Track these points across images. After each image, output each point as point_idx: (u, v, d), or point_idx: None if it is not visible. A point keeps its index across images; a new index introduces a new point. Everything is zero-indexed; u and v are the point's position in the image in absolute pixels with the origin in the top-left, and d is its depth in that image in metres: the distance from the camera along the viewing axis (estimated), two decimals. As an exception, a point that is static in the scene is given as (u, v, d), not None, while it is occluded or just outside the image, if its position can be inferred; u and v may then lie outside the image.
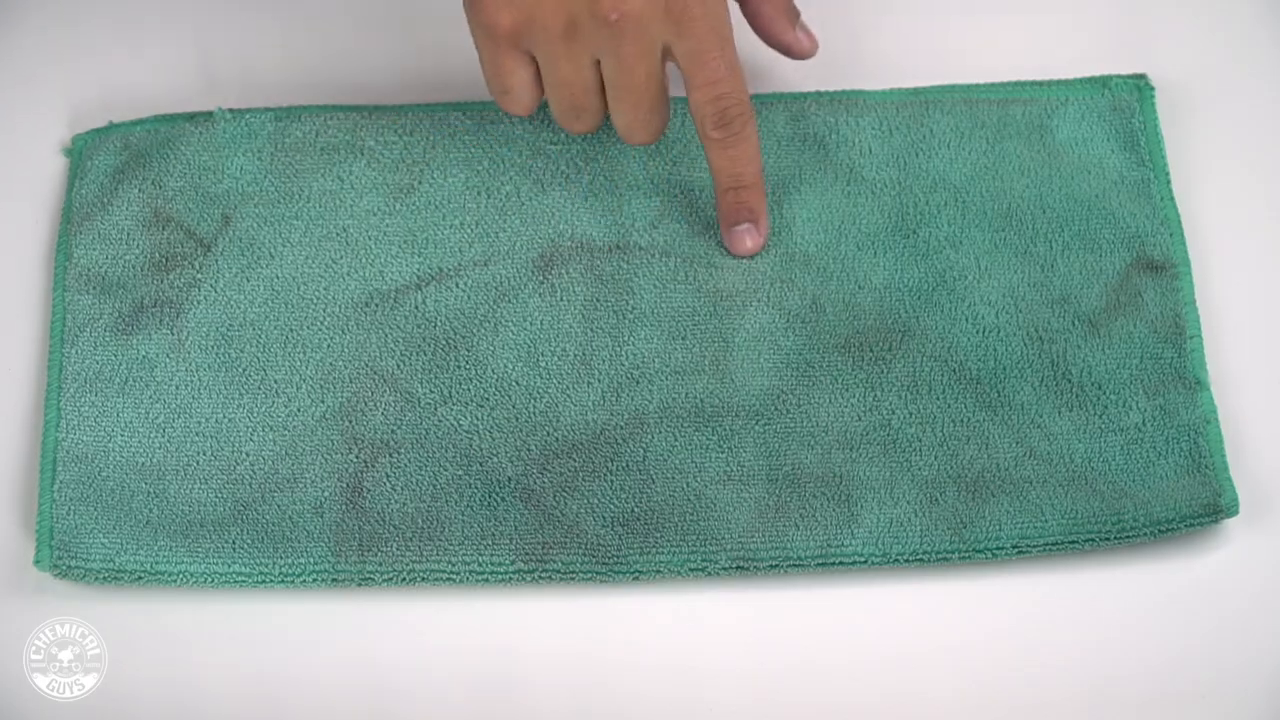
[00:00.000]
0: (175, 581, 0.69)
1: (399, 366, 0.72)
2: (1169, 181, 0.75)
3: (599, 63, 0.69)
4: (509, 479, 0.70)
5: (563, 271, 0.74)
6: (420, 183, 0.76)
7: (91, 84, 0.79)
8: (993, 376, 0.71)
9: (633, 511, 0.69)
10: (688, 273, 0.74)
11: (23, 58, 0.80)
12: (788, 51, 0.75)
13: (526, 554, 0.69)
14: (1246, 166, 0.76)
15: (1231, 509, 0.68)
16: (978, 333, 0.72)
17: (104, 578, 0.69)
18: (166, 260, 0.74)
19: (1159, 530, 0.68)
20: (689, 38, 0.68)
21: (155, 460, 0.71)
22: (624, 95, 0.69)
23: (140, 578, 0.69)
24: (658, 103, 0.70)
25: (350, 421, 0.71)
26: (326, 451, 0.71)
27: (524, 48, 0.69)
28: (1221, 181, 0.76)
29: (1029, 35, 0.80)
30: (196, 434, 0.71)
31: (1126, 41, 0.79)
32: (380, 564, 0.69)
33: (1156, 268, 0.73)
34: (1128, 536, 0.68)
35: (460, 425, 0.71)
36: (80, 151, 0.77)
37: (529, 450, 0.71)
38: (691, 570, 0.69)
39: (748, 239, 0.73)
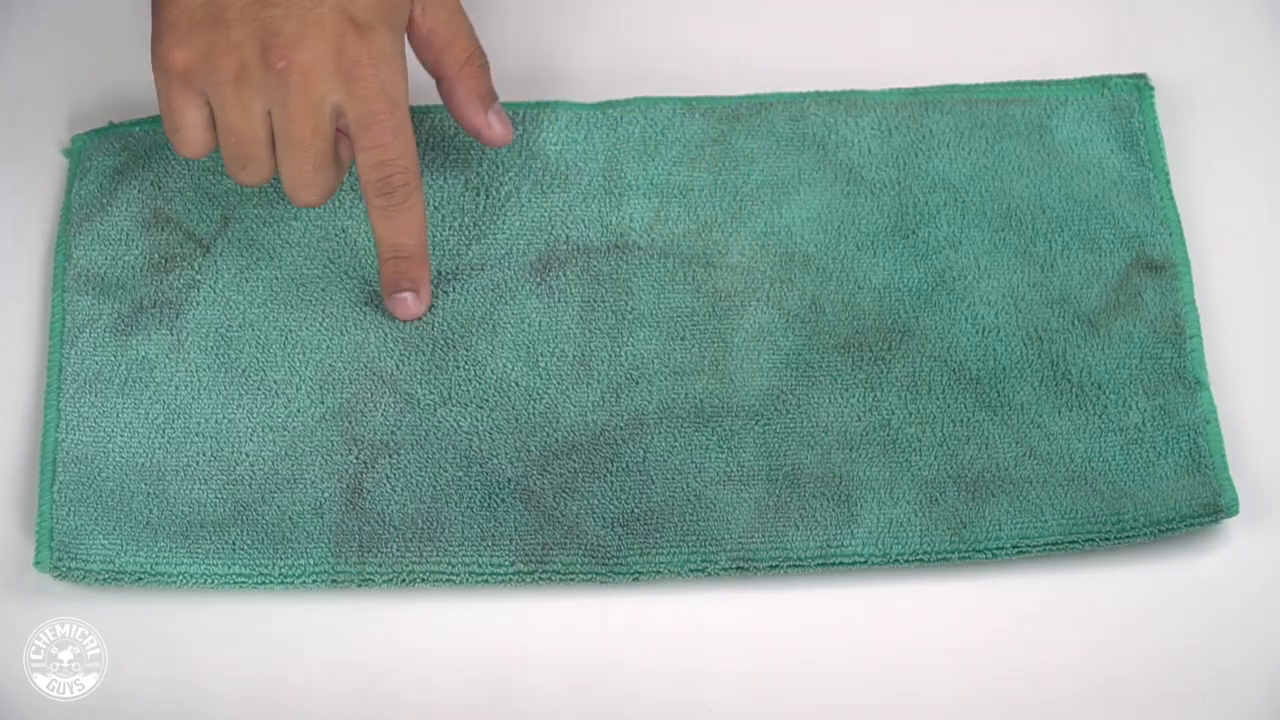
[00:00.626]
0: (175, 582, 0.69)
1: (398, 367, 0.72)
2: (1169, 181, 0.75)
3: (271, 115, 0.68)
4: (509, 480, 0.70)
5: (561, 273, 0.74)
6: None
7: (91, 84, 0.79)
8: (992, 376, 0.71)
9: (633, 512, 0.69)
10: (686, 273, 0.74)
11: (23, 58, 0.80)
12: (478, 136, 0.73)
13: (526, 555, 0.69)
14: (1246, 166, 0.76)
15: (1231, 509, 0.68)
16: (977, 333, 0.72)
17: (104, 579, 0.69)
18: (166, 261, 0.74)
19: (1159, 530, 0.68)
20: (357, 97, 0.67)
21: (155, 461, 0.71)
22: (289, 149, 0.68)
23: (140, 579, 0.69)
24: (324, 160, 0.68)
25: (350, 422, 0.71)
26: (326, 452, 0.71)
27: (198, 88, 0.67)
28: (1221, 181, 0.76)
29: (1029, 35, 0.80)
30: (196, 435, 0.71)
31: (1126, 41, 0.79)
32: (380, 565, 0.69)
33: (1156, 268, 0.73)
34: (1128, 536, 0.68)
35: (460, 426, 0.71)
36: (80, 151, 0.77)
37: (529, 451, 0.71)
38: (691, 571, 0.69)
39: (410, 305, 0.72)
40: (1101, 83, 0.77)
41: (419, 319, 0.73)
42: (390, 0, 0.68)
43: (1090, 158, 0.75)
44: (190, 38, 0.67)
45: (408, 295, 0.72)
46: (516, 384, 0.72)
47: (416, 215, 0.70)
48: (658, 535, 0.69)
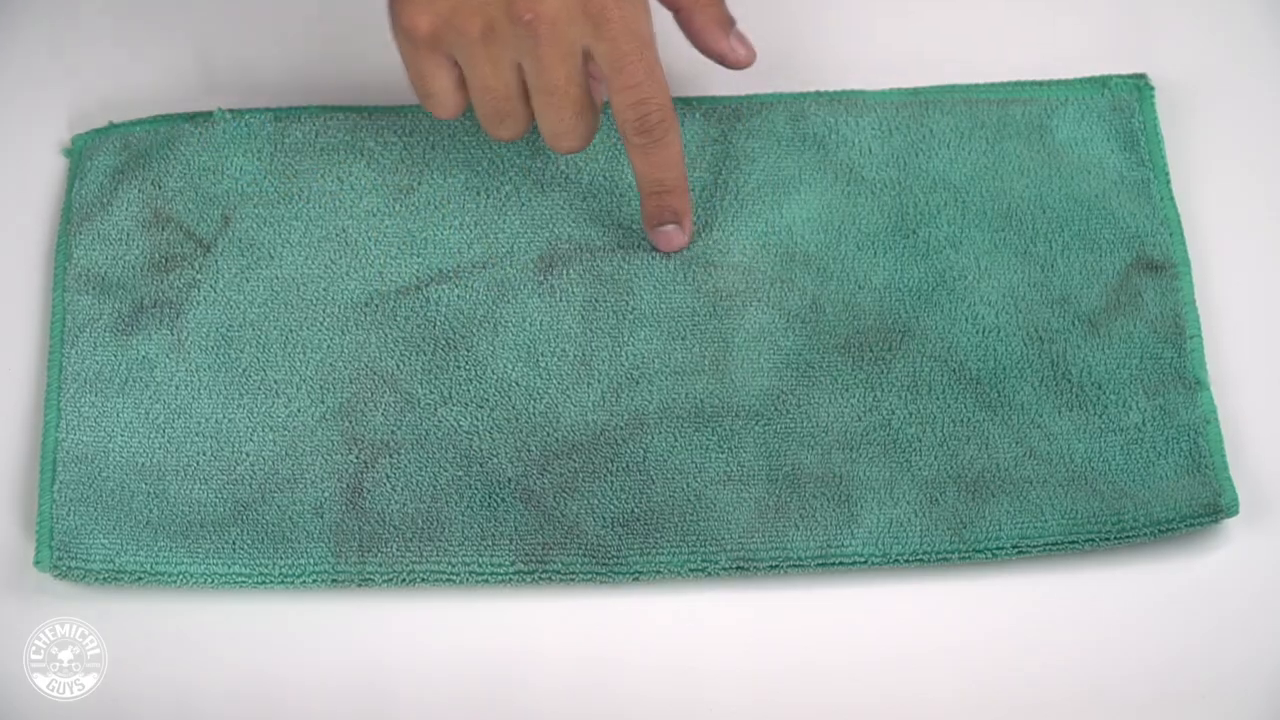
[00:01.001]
0: (175, 582, 0.69)
1: (399, 367, 0.72)
2: (1169, 181, 0.75)
3: (522, 67, 0.68)
4: (509, 479, 0.70)
5: (562, 272, 0.74)
6: (420, 183, 0.76)
7: (91, 84, 0.79)
8: (993, 377, 0.71)
9: (633, 512, 0.69)
10: (687, 273, 0.74)
11: (23, 58, 0.80)
12: (722, 61, 0.73)
13: (526, 554, 0.69)
14: (1246, 166, 0.76)
15: (1231, 509, 0.68)
16: (978, 333, 0.72)
17: (104, 578, 0.69)
18: (166, 260, 0.74)
19: (1159, 530, 0.68)
20: (607, 40, 0.67)
21: (155, 460, 0.71)
22: (545, 99, 0.68)
23: (140, 578, 0.69)
24: (582, 106, 0.69)
25: (350, 422, 0.71)
26: (326, 452, 0.71)
27: (445, 51, 0.68)
28: (1221, 181, 0.76)
29: (1029, 35, 0.80)
30: (196, 434, 0.71)
31: (1126, 41, 0.79)
32: (380, 564, 0.69)
33: (1156, 268, 0.73)
34: (1128, 536, 0.68)
35: (460, 426, 0.71)
36: (80, 151, 0.77)
37: (529, 451, 0.71)
38: (691, 571, 0.69)
39: (674, 238, 0.73)
40: (1101, 83, 0.77)
41: (679, 251, 0.74)
42: None
43: (1090, 158, 0.75)
44: (432, 2, 0.67)
45: (669, 227, 0.73)
46: (517, 383, 0.72)
47: (675, 150, 0.70)
48: (658, 535, 0.69)
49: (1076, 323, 0.72)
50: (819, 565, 0.68)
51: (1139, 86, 0.77)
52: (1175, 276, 0.73)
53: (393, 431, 0.71)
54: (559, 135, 0.70)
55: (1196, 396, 0.70)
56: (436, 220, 0.75)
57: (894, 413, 0.71)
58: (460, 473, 0.70)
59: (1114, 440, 0.70)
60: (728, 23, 0.73)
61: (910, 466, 0.70)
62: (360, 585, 0.69)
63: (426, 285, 0.74)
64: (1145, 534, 0.68)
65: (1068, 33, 0.80)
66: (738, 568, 0.69)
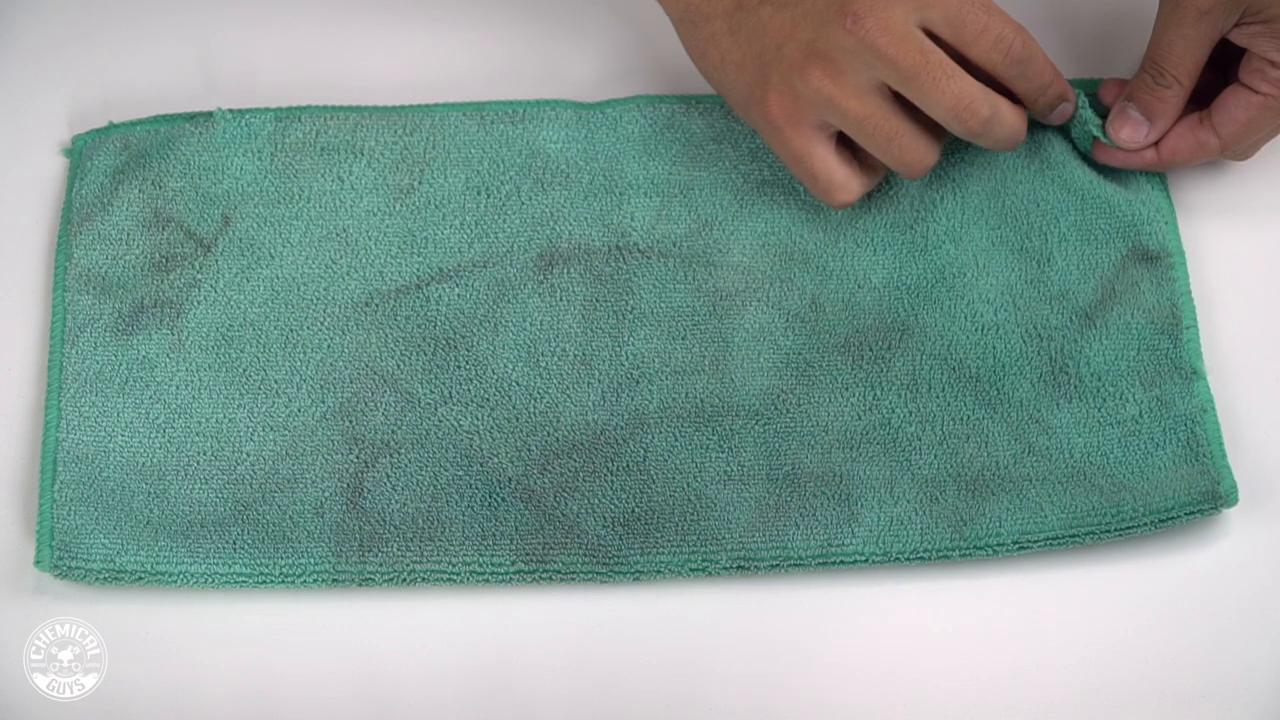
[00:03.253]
0: (176, 582, 0.69)
1: (399, 367, 0.72)
2: (1163, 172, 0.75)
3: (885, 88, 0.68)
4: (509, 479, 0.70)
5: (562, 272, 0.74)
6: (420, 183, 0.76)
7: (91, 84, 0.79)
8: (992, 374, 0.71)
9: (633, 511, 0.69)
10: (687, 273, 0.74)
11: (23, 58, 0.80)
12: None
13: (527, 554, 0.69)
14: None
15: (1231, 497, 0.68)
16: (977, 330, 0.72)
17: (104, 578, 0.69)
18: (166, 260, 0.74)
19: (1159, 521, 0.68)
20: (934, 5, 0.67)
21: (155, 460, 0.71)
22: (915, 86, 0.68)
23: (141, 578, 0.69)
24: (949, 68, 0.68)
25: (350, 421, 0.71)
26: (327, 452, 0.71)
27: (810, 123, 0.69)
28: (1214, 171, 0.76)
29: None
30: (197, 434, 0.71)
31: (1123, 40, 0.79)
32: (381, 564, 0.69)
33: (1152, 258, 0.73)
34: (1128, 528, 0.68)
35: (460, 425, 0.71)
36: (80, 151, 0.77)
37: (529, 450, 0.71)
38: (692, 570, 0.69)
39: (1066, 109, 0.73)
40: (1096, 81, 0.77)
41: (1069, 116, 0.73)
42: None
43: (1085, 151, 0.75)
44: (768, 78, 0.68)
45: (1067, 105, 0.73)
46: (517, 383, 0.72)
47: (1042, 58, 0.70)
48: (658, 535, 0.69)
49: (1074, 317, 0.72)
50: (819, 564, 0.69)
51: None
52: (1171, 266, 0.73)
53: (393, 431, 0.71)
54: (958, 107, 0.68)
55: (1193, 386, 0.71)
56: (436, 220, 0.75)
57: (894, 411, 0.71)
58: (460, 472, 0.70)
59: (1112, 433, 0.70)
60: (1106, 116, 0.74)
61: (910, 465, 0.70)
62: (360, 585, 0.69)
63: (426, 285, 0.74)
64: (1145, 525, 0.68)
65: (1066, 32, 0.80)
66: (738, 567, 0.69)
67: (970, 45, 0.68)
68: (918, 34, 0.67)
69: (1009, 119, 0.70)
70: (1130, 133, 0.73)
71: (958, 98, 0.68)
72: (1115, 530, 0.68)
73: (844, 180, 0.71)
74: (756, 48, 0.70)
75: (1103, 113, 0.75)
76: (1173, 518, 0.68)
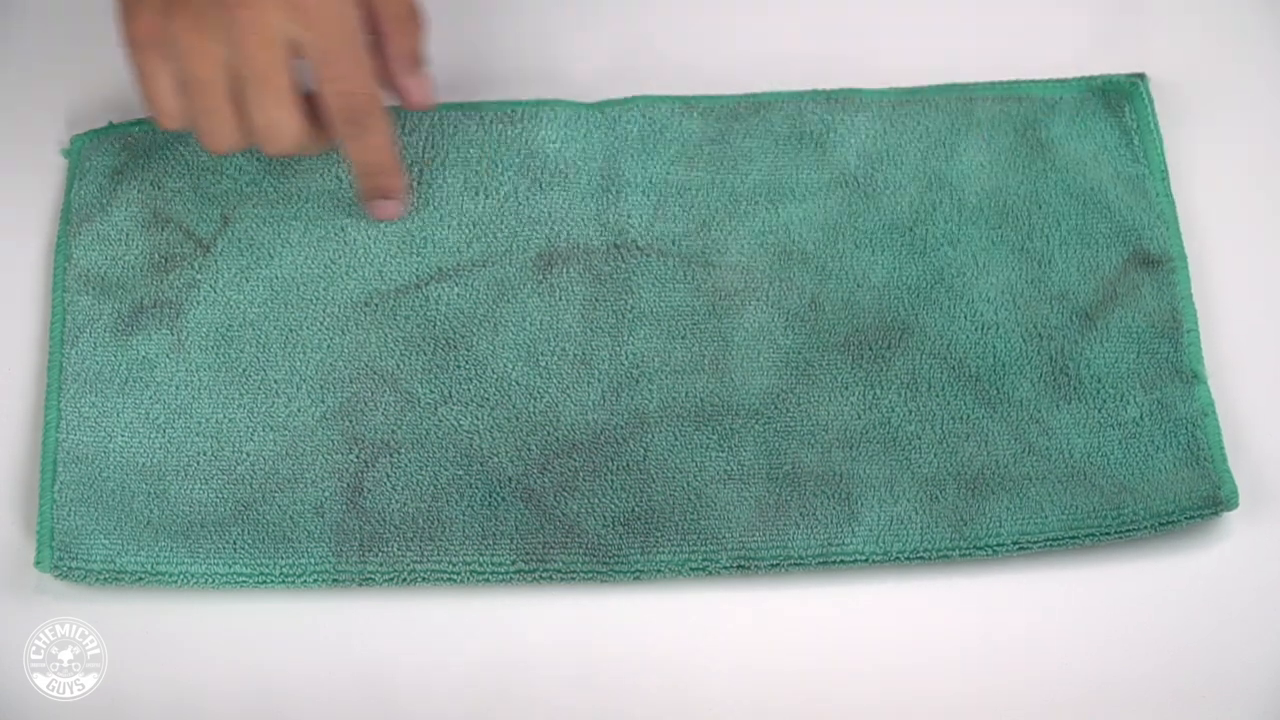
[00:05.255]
0: (176, 582, 0.69)
1: (399, 366, 0.72)
2: (1165, 177, 0.75)
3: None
4: (509, 479, 0.70)
5: (562, 271, 0.74)
6: (419, 183, 0.76)
7: (91, 84, 0.79)
8: (991, 373, 0.71)
9: (633, 511, 0.69)
10: (686, 272, 0.74)
11: (23, 58, 0.80)
12: (400, 96, 0.73)
13: (527, 554, 0.69)
14: (1242, 161, 0.77)
15: (1231, 500, 0.68)
16: (976, 330, 0.72)
17: (105, 579, 0.69)
18: (166, 261, 0.74)
19: (1159, 524, 0.68)
20: (312, 29, 0.67)
21: (155, 461, 0.71)
22: (251, 89, 0.68)
23: (141, 578, 0.69)
24: (285, 98, 0.68)
25: (350, 421, 0.71)
26: (327, 451, 0.71)
27: (163, 52, 0.68)
28: (1217, 176, 0.76)
29: (1027, 34, 0.80)
30: (197, 434, 0.71)
31: (1124, 40, 0.79)
32: (381, 564, 0.69)
33: (1153, 262, 0.73)
34: (1128, 531, 0.68)
35: (460, 425, 0.71)
36: (79, 152, 0.77)
37: (529, 450, 0.71)
38: (692, 570, 0.69)
39: (390, 207, 0.74)
40: (1099, 80, 0.77)
41: (396, 220, 0.74)
42: None
43: (1087, 154, 0.75)
44: (153, 4, 0.67)
45: (384, 201, 0.74)
46: (517, 383, 0.72)
47: (384, 133, 0.71)
48: (658, 534, 0.69)
49: (1074, 318, 0.72)
50: (820, 563, 0.69)
51: (1135, 83, 0.77)
52: (1172, 271, 0.73)
53: (393, 431, 0.71)
54: (268, 131, 0.69)
55: (1194, 390, 0.71)
56: (436, 219, 0.75)
57: (893, 410, 0.71)
58: (461, 472, 0.70)
59: (1113, 435, 0.70)
60: (415, 60, 0.73)
61: (910, 464, 0.70)
62: (361, 585, 0.69)
63: (426, 284, 0.74)
64: (1146, 528, 0.68)
65: (1065, 32, 0.80)
66: (738, 566, 0.69)
67: (323, 83, 0.69)
68: (281, 49, 0.67)
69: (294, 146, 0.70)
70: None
71: (259, 119, 0.68)
72: (1115, 532, 0.68)
73: (170, 111, 0.70)
74: None
75: (1106, 113, 0.75)
76: (1173, 521, 0.68)
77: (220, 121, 0.69)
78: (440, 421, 0.71)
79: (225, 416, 0.71)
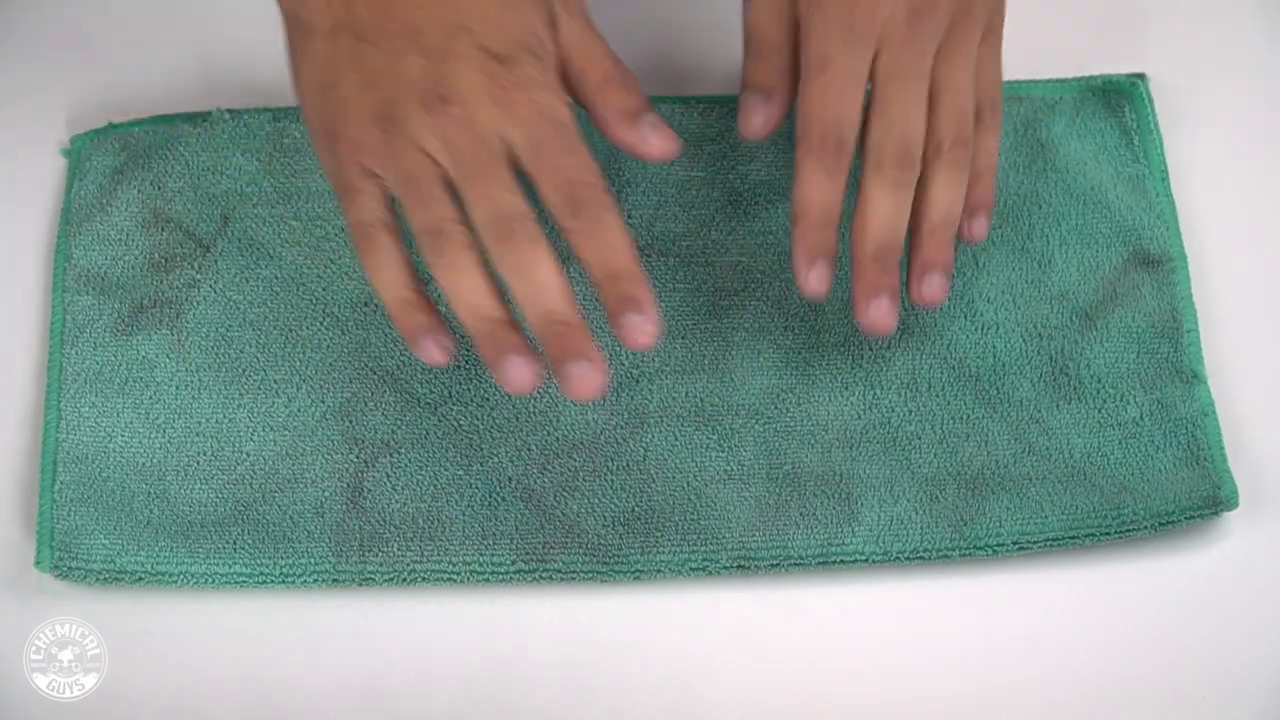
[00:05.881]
0: (176, 582, 0.69)
1: (399, 366, 0.72)
2: (1166, 177, 0.75)
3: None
4: (509, 478, 0.70)
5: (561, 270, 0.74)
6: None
7: (91, 84, 0.79)
8: (991, 373, 0.71)
9: (633, 511, 0.69)
10: (686, 272, 0.74)
11: (23, 58, 0.80)
12: (633, 152, 0.67)
13: (527, 554, 0.69)
14: (1242, 161, 0.77)
15: (1231, 501, 0.68)
16: (976, 330, 0.72)
17: (105, 579, 0.69)
18: (166, 260, 0.74)
19: (1159, 524, 0.68)
20: (520, 125, 0.63)
21: (155, 460, 0.71)
22: (470, 184, 0.63)
23: (141, 578, 0.69)
24: (510, 185, 0.63)
25: (351, 421, 0.71)
26: (327, 451, 0.71)
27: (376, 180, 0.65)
28: (1217, 176, 0.76)
29: (1026, 35, 0.80)
30: (197, 434, 0.71)
31: (1124, 40, 0.79)
32: (381, 564, 0.69)
33: (1153, 262, 0.73)
34: (1128, 531, 0.68)
35: (460, 425, 0.71)
36: (79, 152, 0.77)
37: (529, 450, 0.71)
38: (692, 569, 0.69)
39: (639, 334, 0.63)
40: (1099, 80, 0.77)
41: (654, 344, 0.63)
42: (526, 28, 0.64)
43: (1087, 153, 0.75)
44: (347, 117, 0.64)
45: (637, 320, 0.63)
46: (517, 382, 0.72)
47: (617, 230, 0.63)
48: (658, 534, 0.69)
49: (1074, 318, 0.72)
50: (820, 563, 0.69)
51: (1135, 83, 0.77)
52: (1172, 271, 0.73)
53: (393, 430, 0.71)
54: (500, 224, 0.63)
55: (1194, 390, 0.71)
56: (436, 220, 0.75)
57: (893, 410, 0.71)
58: (461, 472, 0.70)
59: (1113, 435, 0.70)
60: (635, 112, 0.67)
61: (910, 464, 0.70)
62: (361, 585, 0.69)
63: (426, 284, 0.74)
64: (1146, 528, 0.68)
65: (1065, 32, 0.80)
66: (738, 566, 0.69)
67: (539, 180, 0.63)
68: (496, 144, 0.63)
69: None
70: (759, 119, 0.69)
71: (498, 211, 0.63)
72: (1115, 532, 0.68)
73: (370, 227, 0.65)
74: (330, 76, 0.66)
75: (1106, 113, 0.75)
76: (1173, 521, 0.68)
77: (449, 225, 0.63)
78: (440, 421, 0.71)
79: (225, 416, 0.71)
